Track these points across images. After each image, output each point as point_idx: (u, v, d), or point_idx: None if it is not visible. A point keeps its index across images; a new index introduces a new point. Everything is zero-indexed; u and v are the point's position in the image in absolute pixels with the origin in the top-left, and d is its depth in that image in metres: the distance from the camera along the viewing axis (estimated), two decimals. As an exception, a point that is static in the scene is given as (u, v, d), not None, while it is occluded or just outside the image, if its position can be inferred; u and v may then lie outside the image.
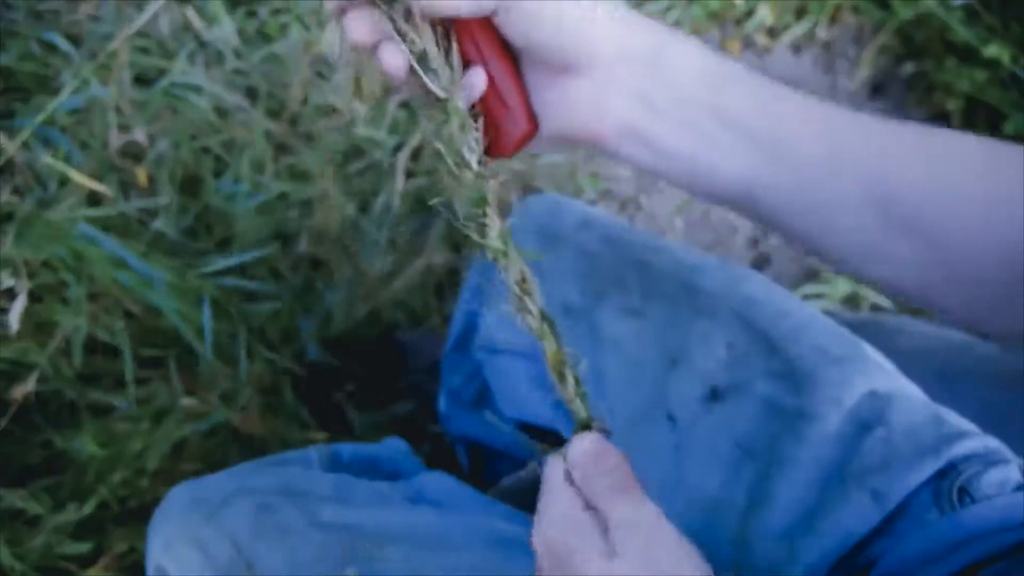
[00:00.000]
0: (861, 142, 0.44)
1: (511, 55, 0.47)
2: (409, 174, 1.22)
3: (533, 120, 0.47)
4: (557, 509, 0.43)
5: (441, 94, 0.44)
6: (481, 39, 0.46)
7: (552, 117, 0.47)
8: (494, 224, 0.45)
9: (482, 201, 0.45)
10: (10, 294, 0.90)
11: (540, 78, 0.46)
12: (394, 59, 0.44)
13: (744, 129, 0.44)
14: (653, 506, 0.43)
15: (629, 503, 0.42)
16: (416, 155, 1.24)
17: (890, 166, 0.43)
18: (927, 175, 0.43)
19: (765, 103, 0.44)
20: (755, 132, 0.44)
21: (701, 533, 0.60)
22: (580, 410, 0.47)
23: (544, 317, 0.46)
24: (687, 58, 0.45)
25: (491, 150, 0.47)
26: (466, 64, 0.46)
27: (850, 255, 0.46)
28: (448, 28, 0.45)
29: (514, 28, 0.44)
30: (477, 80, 0.45)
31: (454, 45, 0.45)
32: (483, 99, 0.46)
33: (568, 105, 0.46)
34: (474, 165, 0.45)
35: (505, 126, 0.47)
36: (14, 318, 0.87)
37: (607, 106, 0.45)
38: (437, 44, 0.44)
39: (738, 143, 0.44)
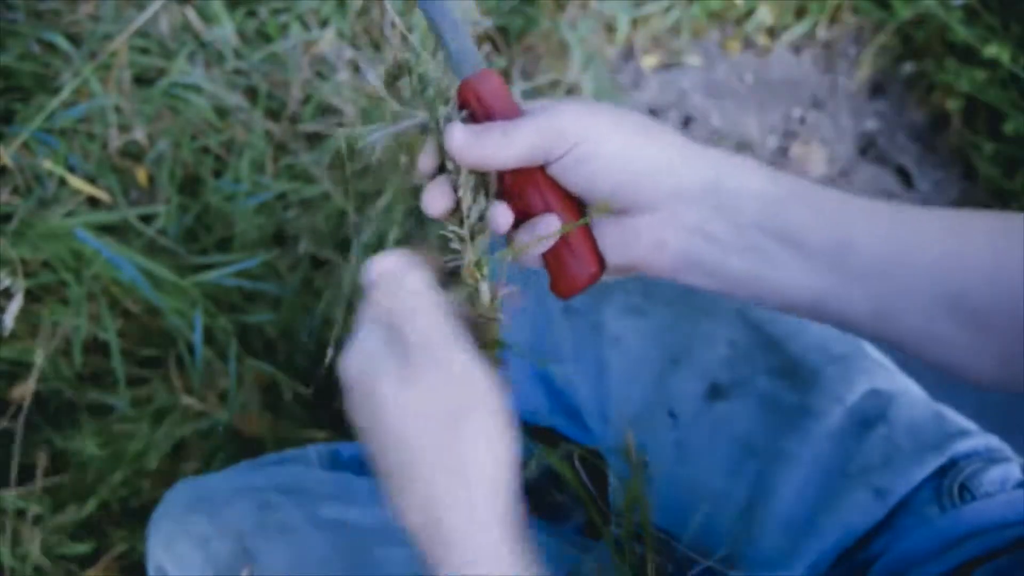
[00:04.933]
0: (926, 241, 0.44)
1: (575, 200, 0.48)
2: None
3: (600, 262, 0.48)
4: (360, 339, 0.44)
5: (468, 278, 0.46)
6: (545, 187, 0.47)
7: (612, 252, 0.48)
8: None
9: (495, 343, 0.47)
10: (7, 294, 0.89)
11: (600, 219, 0.48)
12: (435, 201, 0.47)
13: (807, 246, 0.44)
14: (448, 327, 0.43)
15: (426, 324, 0.42)
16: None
17: (957, 263, 0.43)
18: (993, 268, 0.43)
19: (827, 217, 0.44)
20: (819, 247, 0.44)
21: (703, 527, 0.61)
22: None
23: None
24: (746, 187, 0.45)
25: (557, 288, 0.49)
26: (531, 213, 0.47)
27: (917, 346, 0.46)
28: (491, 181, 0.47)
29: (569, 178, 0.46)
30: (543, 227, 0.47)
31: (489, 206, 0.46)
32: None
33: (628, 241, 0.47)
34: (495, 315, 0.47)
35: (572, 268, 0.48)
36: (9, 317, 0.87)
37: (667, 240, 0.46)
38: (482, 194, 0.46)
39: (802, 260, 0.45)
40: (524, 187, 0.47)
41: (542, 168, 0.46)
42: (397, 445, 0.42)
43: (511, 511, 0.42)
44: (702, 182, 0.45)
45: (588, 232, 0.48)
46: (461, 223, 0.46)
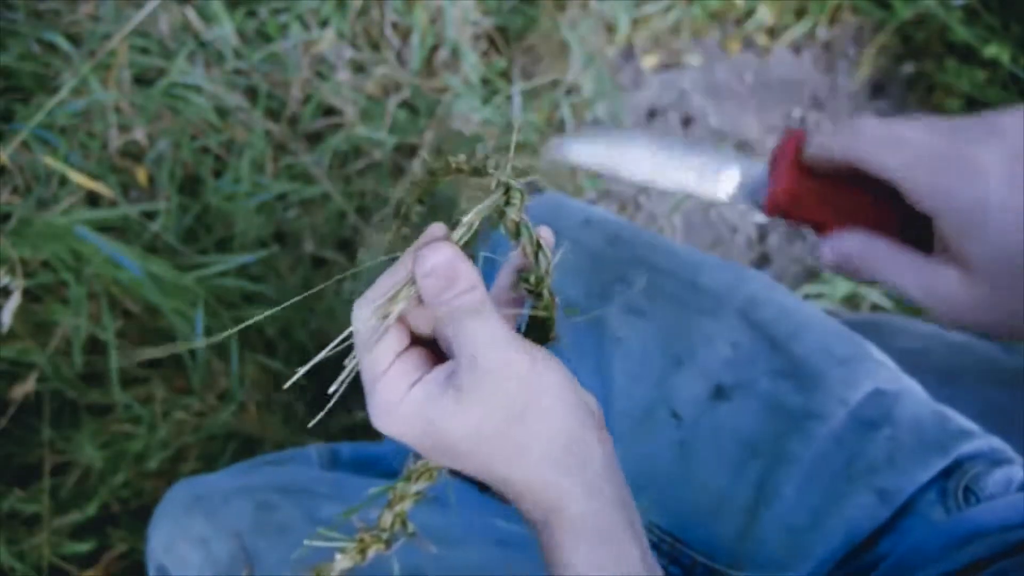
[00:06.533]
0: None
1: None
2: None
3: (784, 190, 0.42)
4: (401, 393, 0.40)
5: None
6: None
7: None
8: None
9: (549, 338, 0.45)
10: (6, 292, 0.89)
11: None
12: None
13: None
14: (505, 329, 0.40)
15: (480, 328, 0.40)
16: (414, 152, 1.24)
17: None
18: None
19: None
20: None
21: (706, 528, 0.61)
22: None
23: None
24: None
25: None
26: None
27: None
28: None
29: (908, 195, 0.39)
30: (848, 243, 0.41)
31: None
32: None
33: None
34: (553, 313, 0.45)
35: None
36: (7, 316, 0.87)
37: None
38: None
39: None
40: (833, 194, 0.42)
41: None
42: (485, 468, 0.41)
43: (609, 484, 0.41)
44: None
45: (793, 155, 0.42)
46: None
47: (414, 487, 0.45)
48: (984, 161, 0.36)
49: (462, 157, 0.43)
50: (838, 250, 0.41)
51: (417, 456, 0.45)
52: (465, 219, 0.41)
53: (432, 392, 0.40)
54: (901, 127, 0.39)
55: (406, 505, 0.45)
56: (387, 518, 0.45)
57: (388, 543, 0.45)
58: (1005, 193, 0.36)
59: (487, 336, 0.39)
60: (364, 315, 0.40)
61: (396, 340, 0.41)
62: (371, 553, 0.45)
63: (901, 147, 0.38)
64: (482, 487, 0.46)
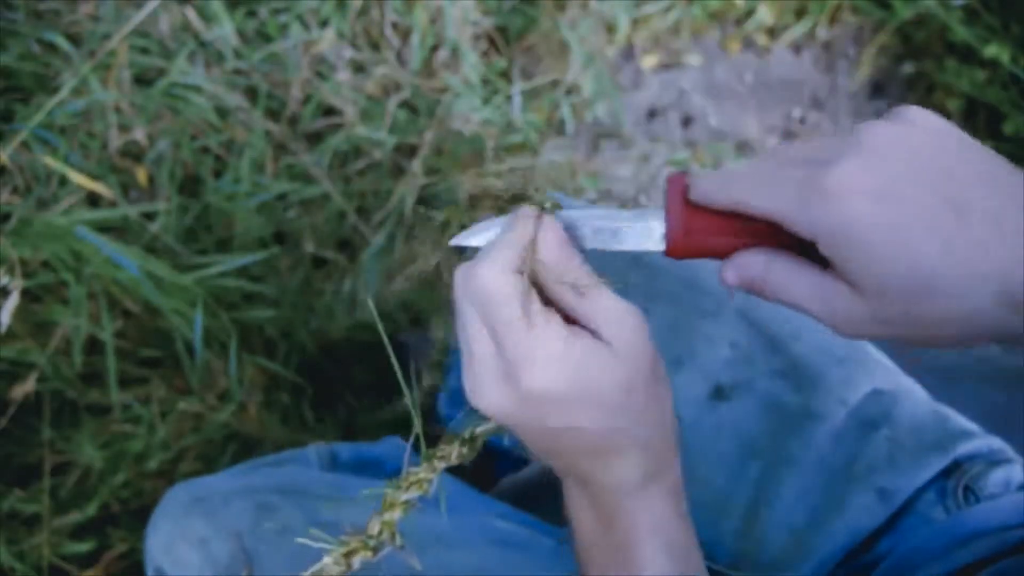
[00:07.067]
0: None
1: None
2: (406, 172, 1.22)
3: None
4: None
5: None
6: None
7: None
8: None
9: None
10: (4, 292, 0.89)
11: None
12: None
13: None
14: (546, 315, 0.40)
15: (612, 297, 0.40)
16: (414, 152, 1.24)
17: None
18: None
19: None
20: None
21: (707, 528, 0.61)
22: None
23: None
24: None
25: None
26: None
27: None
28: None
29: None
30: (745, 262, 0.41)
31: None
32: None
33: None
34: None
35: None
36: (6, 315, 0.87)
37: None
38: None
39: None
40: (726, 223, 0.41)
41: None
42: (620, 422, 0.41)
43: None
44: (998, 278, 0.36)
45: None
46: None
47: (404, 495, 0.45)
48: (843, 184, 0.35)
49: (500, 184, 0.43)
50: (741, 271, 0.41)
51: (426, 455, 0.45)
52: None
53: (589, 346, 0.39)
54: (767, 165, 0.39)
55: (395, 514, 0.45)
56: (375, 525, 0.45)
57: (375, 550, 0.45)
58: (871, 209, 0.35)
59: (620, 304, 0.40)
60: (494, 273, 0.39)
61: (537, 297, 0.40)
62: (356, 560, 0.45)
63: (770, 186, 0.38)
64: (483, 487, 0.46)
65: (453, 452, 0.45)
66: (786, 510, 0.59)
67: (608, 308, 0.40)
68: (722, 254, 0.42)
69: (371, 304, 0.56)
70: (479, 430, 0.46)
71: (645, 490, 0.43)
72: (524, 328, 0.39)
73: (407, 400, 0.48)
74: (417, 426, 0.46)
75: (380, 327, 0.49)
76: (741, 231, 0.41)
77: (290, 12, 1.23)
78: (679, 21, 1.42)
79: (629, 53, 1.43)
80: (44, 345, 1.00)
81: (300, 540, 0.45)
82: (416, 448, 0.58)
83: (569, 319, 0.40)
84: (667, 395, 0.42)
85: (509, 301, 0.39)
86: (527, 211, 0.41)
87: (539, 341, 0.39)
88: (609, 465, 0.42)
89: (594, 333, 0.40)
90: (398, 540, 0.45)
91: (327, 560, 0.45)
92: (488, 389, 0.40)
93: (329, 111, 1.25)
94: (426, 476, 0.45)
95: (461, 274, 0.40)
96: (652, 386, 0.41)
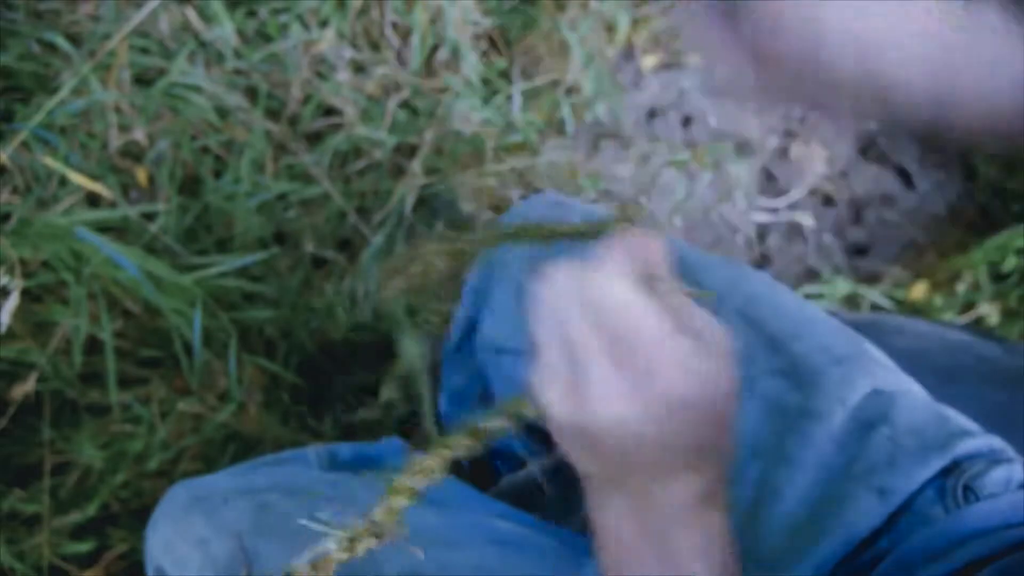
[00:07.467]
0: None
1: None
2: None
3: None
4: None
5: None
6: None
7: None
8: None
9: None
10: (4, 292, 0.89)
11: None
12: None
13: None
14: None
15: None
16: (414, 152, 1.24)
17: None
18: None
19: None
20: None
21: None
22: None
23: None
24: None
25: None
26: None
27: None
28: None
29: None
30: None
31: None
32: None
33: None
34: None
35: None
36: (6, 315, 0.87)
37: None
38: None
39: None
40: None
41: None
42: (712, 430, 0.41)
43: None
44: None
45: None
46: None
47: (410, 482, 0.45)
48: None
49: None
50: None
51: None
52: None
53: (712, 357, 0.40)
54: None
55: (401, 500, 0.44)
56: (380, 511, 0.45)
57: (379, 536, 0.45)
58: None
59: (714, 319, 0.41)
60: (623, 290, 0.38)
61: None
62: (361, 546, 0.44)
63: None
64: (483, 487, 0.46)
65: (461, 444, 0.45)
66: (786, 509, 0.59)
67: (710, 323, 0.40)
68: None
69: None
70: (486, 425, 0.46)
71: (704, 508, 0.42)
72: (658, 337, 0.38)
73: (421, 391, 0.48)
74: (429, 423, 0.46)
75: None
76: None
77: (290, 12, 1.23)
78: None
79: (629, 53, 1.43)
80: (44, 345, 1.00)
81: (303, 521, 0.45)
82: (408, 438, 0.58)
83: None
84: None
85: (645, 313, 0.38)
86: (631, 230, 0.42)
87: (673, 350, 0.39)
88: (677, 481, 0.42)
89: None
90: (403, 528, 0.45)
91: (331, 545, 0.44)
92: (612, 399, 0.39)
93: (329, 111, 1.25)
94: (434, 464, 0.45)
95: (568, 281, 0.39)
96: (735, 406, 0.42)
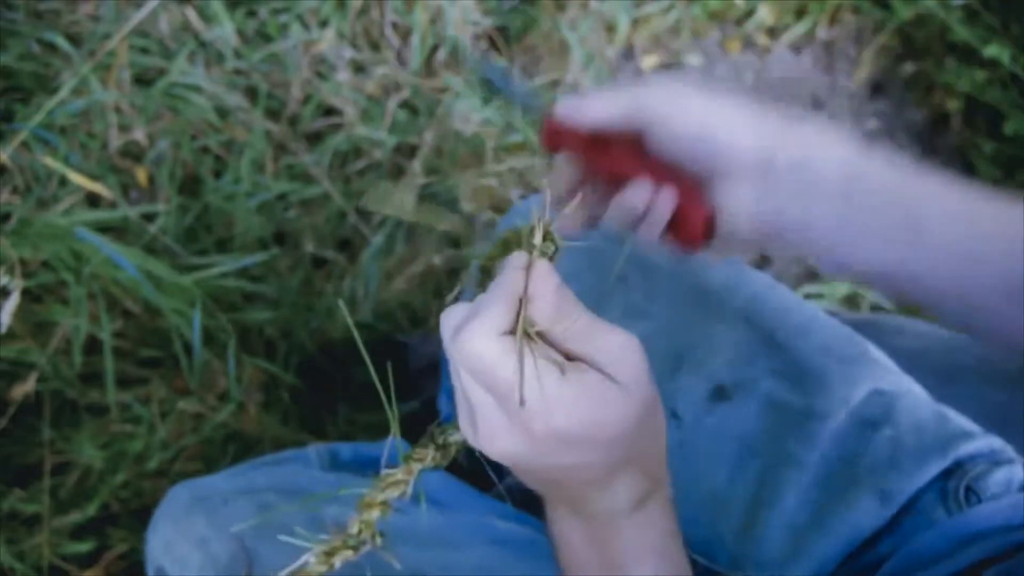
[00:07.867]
0: (997, 228, 0.45)
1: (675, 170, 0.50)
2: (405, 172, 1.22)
3: (704, 230, 0.50)
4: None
5: None
6: (643, 160, 0.50)
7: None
8: None
9: None
10: (4, 292, 0.89)
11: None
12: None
13: (883, 216, 0.46)
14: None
15: (612, 335, 0.41)
16: (414, 152, 1.24)
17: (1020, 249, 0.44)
18: None
19: (901, 192, 0.46)
20: (892, 220, 0.46)
21: (707, 528, 0.61)
22: None
23: None
24: (828, 166, 0.47)
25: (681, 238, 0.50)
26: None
27: (980, 326, 0.47)
28: None
29: (660, 146, 0.48)
30: (632, 195, 0.50)
31: None
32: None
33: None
34: None
35: (689, 218, 0.50)
36: (6, 315, 0.87)
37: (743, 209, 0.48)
38: None
39: (876, 232, 0.46)
40: (623, 164, 0.50)
41: (638, 143, 0.49)
42: (616, 452, 0.41)
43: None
44: (788, 160, 0.47)
45: (693, 198, 0.49)
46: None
47: (381, 495, 0.45)
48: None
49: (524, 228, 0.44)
50: None
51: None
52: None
53: (598, 386, 0.40)
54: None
55: (373, 513, 0.45)
56: (354, 525, 0.45)
57: (355, 549, 0.45)
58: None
59: (620, 338, 0.41)
60: (485, 341, 0.39)
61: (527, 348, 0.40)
62: (338, 560, 0.45)
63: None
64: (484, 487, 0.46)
65: (428, 456, 0.46)
66: (787, 510, 0.59)
67: (610, 345, 0.40)
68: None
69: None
70: (451, 438, 0.46)
71: (641, 511, 0.43)
72: (510, 386, 0.39)
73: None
74: (394, 430, 0.46)
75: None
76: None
77: (290, 12, 1.23)
78: (679, 21, 1.42)
79: (629, 53, 1.43)
80: (44, 345, 1.00)
81: (283, 538, 0.45)
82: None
83: (570, 356, 0.41)
84: (662, 414, 0.43)
85: (504, 366, 0.39)
86: (518, 261, 0.41)
87: (546, 391, 0.39)
88: (606, 491, 0.42)
89: (599, 371, 0.40)
90: (378, 540, 0.45)
91: (310, 559, 0.45)
92: (496, 437, 0.40)
93: (329, 111, 1.25)
94: (403, 478, 0.45)
95: (450, 336, 0.40)
96: (653, 413, 0.42)
